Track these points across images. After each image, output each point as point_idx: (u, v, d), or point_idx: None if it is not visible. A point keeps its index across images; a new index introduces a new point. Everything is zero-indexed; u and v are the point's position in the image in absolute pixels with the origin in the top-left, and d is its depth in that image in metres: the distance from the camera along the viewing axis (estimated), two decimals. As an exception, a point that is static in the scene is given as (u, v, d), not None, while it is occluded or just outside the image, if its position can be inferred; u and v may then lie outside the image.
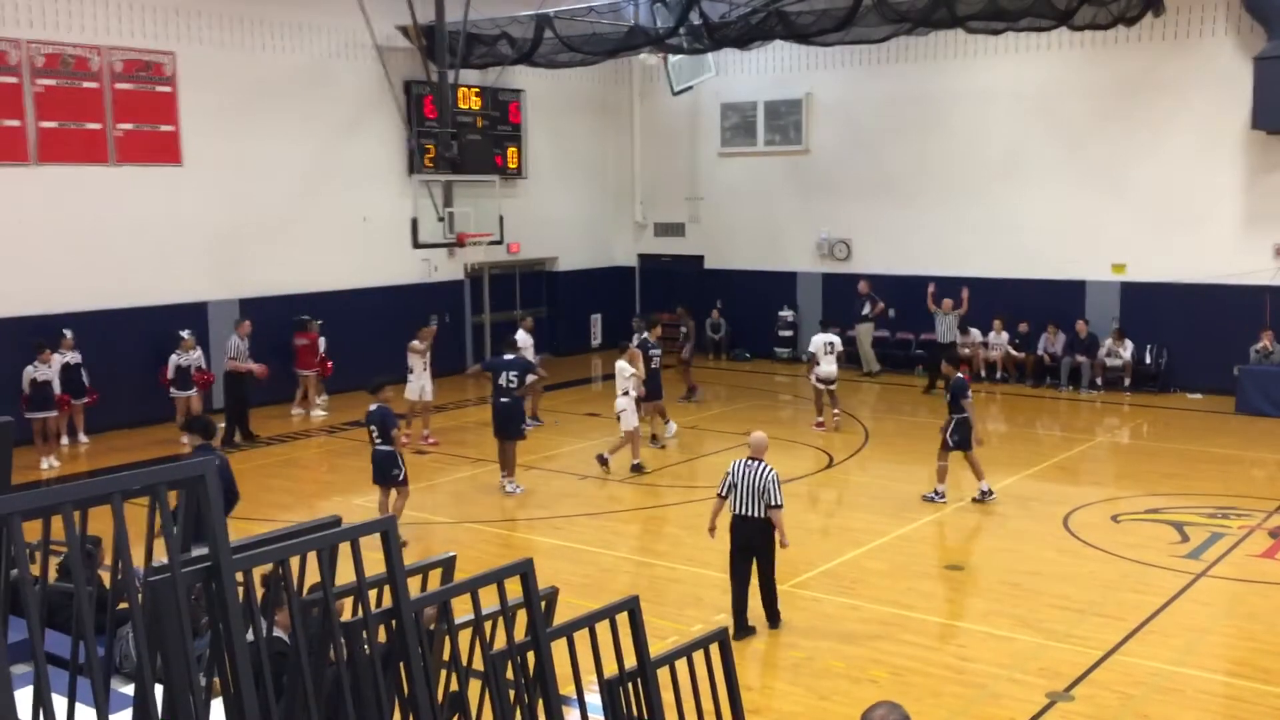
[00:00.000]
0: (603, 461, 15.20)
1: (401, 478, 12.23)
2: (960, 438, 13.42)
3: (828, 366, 17.71)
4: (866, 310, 22.57)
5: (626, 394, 14.99)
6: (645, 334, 16.66)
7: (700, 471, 15.38)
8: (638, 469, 15.08)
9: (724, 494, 9.65)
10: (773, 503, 9.42)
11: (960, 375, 13.88)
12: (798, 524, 13.02)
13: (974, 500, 13.60)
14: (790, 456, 16.00)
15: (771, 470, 9.48)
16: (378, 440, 12.21)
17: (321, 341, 19.56)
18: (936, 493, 13.64)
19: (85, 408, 17.05)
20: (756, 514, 9.44)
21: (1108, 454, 16.72)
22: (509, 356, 14.95)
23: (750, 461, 9.58)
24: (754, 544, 9.53)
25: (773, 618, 9.75)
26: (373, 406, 12.33)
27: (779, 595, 9.84)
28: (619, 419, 15.18)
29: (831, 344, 17.89)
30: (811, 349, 18.20)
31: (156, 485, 3.70)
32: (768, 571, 9.63)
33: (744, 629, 9.51)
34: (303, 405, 19.51)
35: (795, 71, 24.22)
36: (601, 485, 14.70)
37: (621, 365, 15.21)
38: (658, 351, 16.38)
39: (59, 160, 17.18)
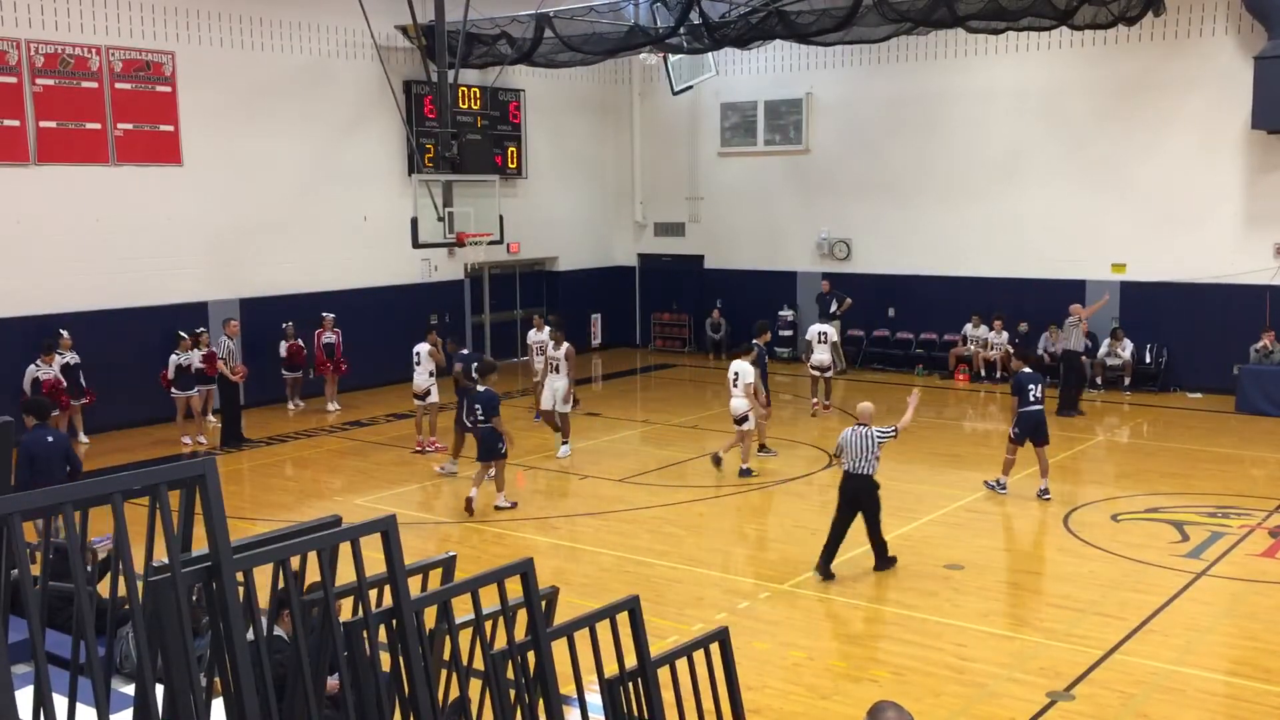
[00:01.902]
0: (717, 461, 15.05)
1: (504, 451, 13.33)
2: (1019, 430, 13.49)
3: (820, 355, 18.87)
4: (834, 309, 22.52)
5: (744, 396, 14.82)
6: (755, 340, 16.20)
7: (700, 471, 15.36)
8: (747, 473, 14.90)
9: (837, 454, 11.21)
10: (882, 444, 10.90)
11: (1027, 370, 13.77)
12: (798, 523, 13.04)
13: (1040, 495, 13.56)
14: (790, 456, 15.99)
15: (874, 429, 10.89)
16: (481, 419, 13.16)
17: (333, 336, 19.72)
18: (998, 483, 13.81)
19: (83, 408, 17.06)
20: (865, 471, 10.83)
21: (1108, 454, 16.71)
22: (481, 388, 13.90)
23: (858, 427, 10.94)
24: (860, 498, 10.89)
25: (881, 560, 11.03)
26: (481, 388, 13.39)
27: (874, 548, 11.16)
28: (738, 421, 14.89)
29: (825, 334, 19.05)
30: (807, 337, 19.50)
31: (156, 485, 3.69)
32: (874, 522, 10.97)
33: (827, 572, 10.86)
34: (336, 401, 19.76)
35: (795, 71, 24.22)
36: (601, 485, 14.70)
37: (745, 367, 14.90)
38: (766, 357, 16.29)
39: (59, 160, 17.17)
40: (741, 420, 14.88)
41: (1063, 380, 19.03)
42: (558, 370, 16.30)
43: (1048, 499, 13.48)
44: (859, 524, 10.89)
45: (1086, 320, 19.14)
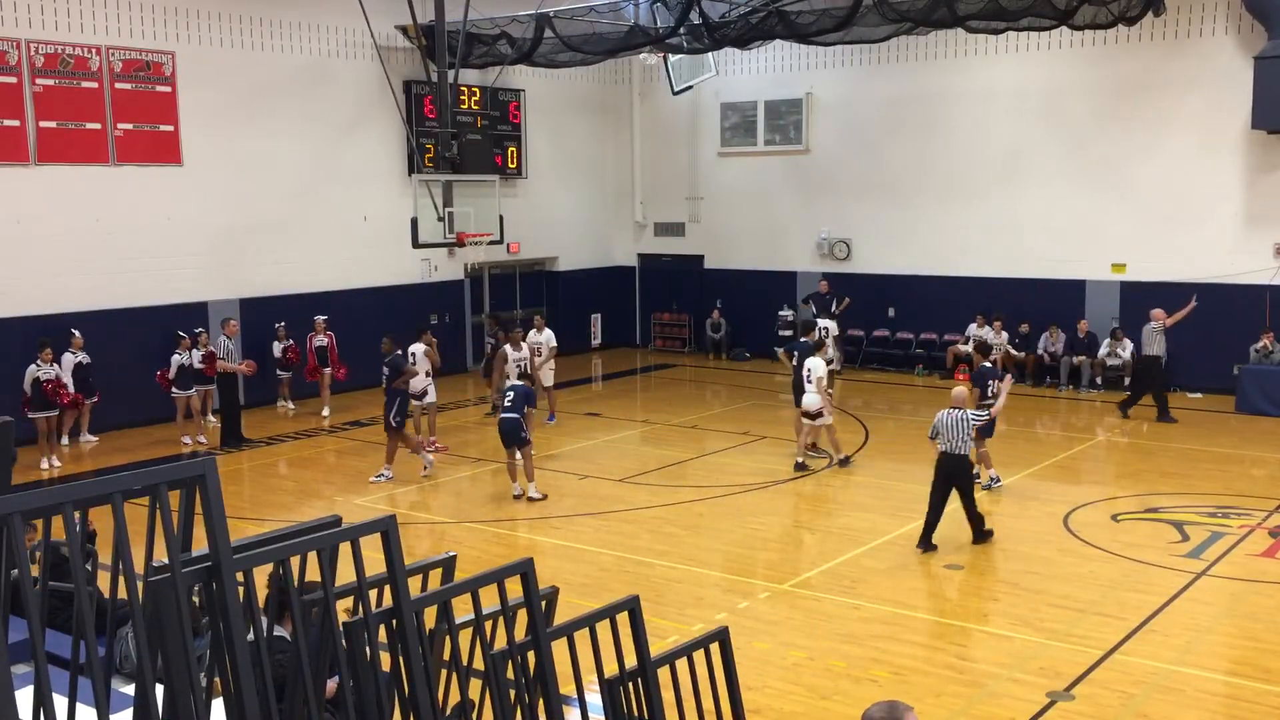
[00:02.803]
0: (799, 465, 15.33)
1: (528, 437, 13.82)
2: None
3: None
4: (835, 309, 22.51)
5: (828, 392, 15.22)
6: (804, 338, 16.42)
7: (700, 471, 15.37)
8: (803, 466, 15.29)
9: (933, 437, 11.89)
10: (974, 425, 11.87)
11: (987, 364, 14.62)
12: (798, 523, 13.05)
13: (982, 488, 13.91)
14: (790, 456, 15.99)
15: (967, 412, 11.85)
16: (510, 409, 13.75)
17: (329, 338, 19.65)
18: (993, 478, 14.18)
19: (91, 407, 17.07)
20: (960, 451, 11.67)
21: (1108, 453, 16.71)
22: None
23: (953, 410, 11.81)
24: (955, 476, 11.71)
25: (978, 534, 11.82)
26: (519, 383, 14.22)
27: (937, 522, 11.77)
28: (816, 415, 15.16)
29: (826, 329, 19.81)
30: None
31: (156, 485, 3.69)
32: (969, 497, 11.81)
33: (928, 544, 11.63)
34: (329, 405, 19.54)
35: (795, 71, 24.22)
36: (601, 485, 14.70)
37: (818, 363, 15.23)
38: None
39: (59, 160, 17.17)
40: (816, 415, 15.18)
41: (1134, 385, 18.66)
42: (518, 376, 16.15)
43: (999, 485, 14.14)
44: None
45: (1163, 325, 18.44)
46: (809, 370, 15.14)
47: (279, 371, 19.68)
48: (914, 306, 23.14)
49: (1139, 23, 18.70)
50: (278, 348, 19.55)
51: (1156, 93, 20.25)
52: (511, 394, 13.91)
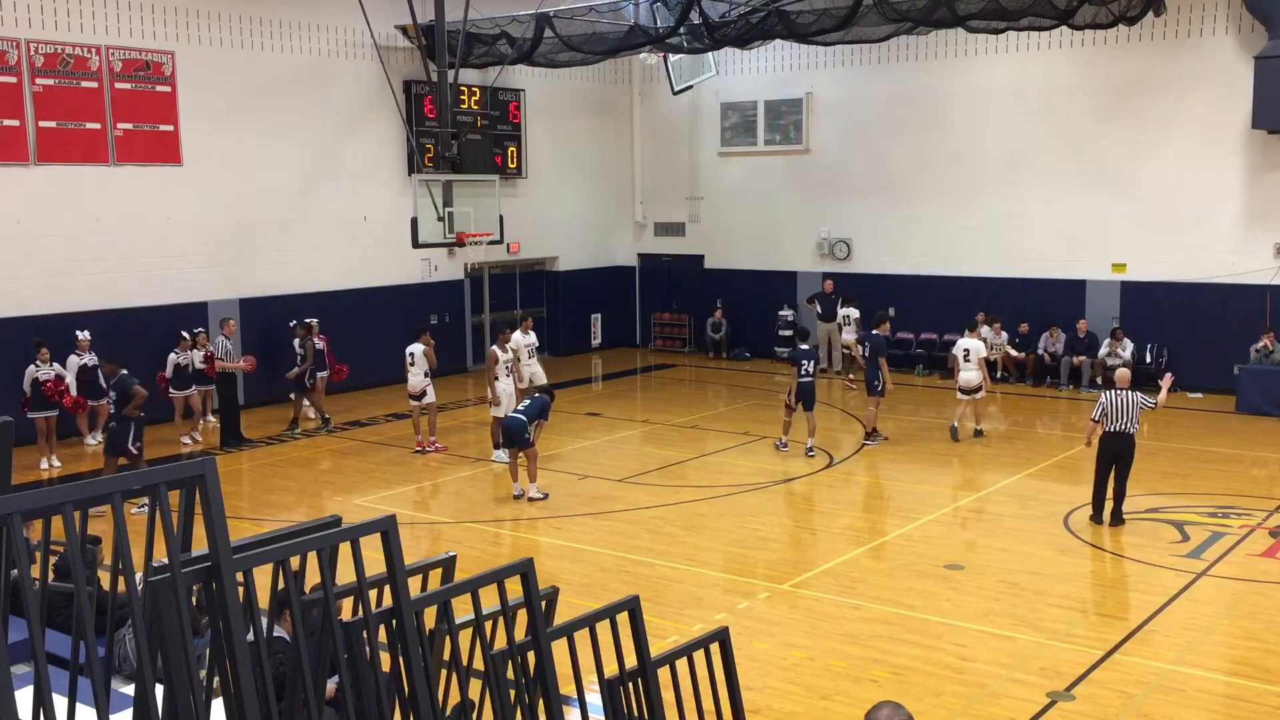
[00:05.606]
0: (978, 433, 17.00)
1: (530, 439, 13.88)
2: (797, 398, 15.91)
3: (848, 335, 21.55)
4: (840, 308, 22.56)
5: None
6: (875, 330, 17.20)
7: (700, 471, 15.37)
8: (980, 433, 16.94)
9: (1097, 419, 12.33)
10: (1143, 410, 12.20)
11: (804, 346, 16.24)
12: (798, 523, 13.05)
13: (807, 452, 15.88)
14: (790, 456, 15.99)
15: (1136, 394, 12.20)
16: (520, 411, 14.09)
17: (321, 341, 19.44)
18: (780, 442, 16.23)
19: (98, 409, 17.00)
20: (1127, 430, 12.17)
21: (1108, 454, 16.68)
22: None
23: (1119, 391, 12.24)
24: (1122, 453, 12.25)
25: (1117, 515, 12.32)
26: (538, 394, 14.58)
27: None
28: (975, 392, 16.66)
29: (848, 315, 21.65)
30: (837, 321, 22.27)
31: (156, 485, 3.69)
32: (1125, 475, 12.32)
33: (1100, 516, 12.38)
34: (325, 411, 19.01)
35: (795, 71, 24.22)
36: (601, 485, 14.70)
37: (976, 344, 16.80)
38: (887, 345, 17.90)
39: (59, 160, 17.17)
40: (976, 390, 16.60)
41: None
42: (508, 375, 16.08)
43: (813, 455, 15.80)
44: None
45: None
46: (967, 351, 16.62)
47: (312, 376, 18.44)
48: (914, 306, 23.13)
49: (1139, 23, 18.71)
50: (311, 343, 18.35)
51: (1156, 93, 20.25)
52: (529, 400, 14.36)
